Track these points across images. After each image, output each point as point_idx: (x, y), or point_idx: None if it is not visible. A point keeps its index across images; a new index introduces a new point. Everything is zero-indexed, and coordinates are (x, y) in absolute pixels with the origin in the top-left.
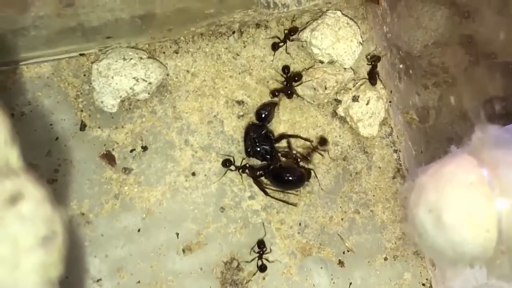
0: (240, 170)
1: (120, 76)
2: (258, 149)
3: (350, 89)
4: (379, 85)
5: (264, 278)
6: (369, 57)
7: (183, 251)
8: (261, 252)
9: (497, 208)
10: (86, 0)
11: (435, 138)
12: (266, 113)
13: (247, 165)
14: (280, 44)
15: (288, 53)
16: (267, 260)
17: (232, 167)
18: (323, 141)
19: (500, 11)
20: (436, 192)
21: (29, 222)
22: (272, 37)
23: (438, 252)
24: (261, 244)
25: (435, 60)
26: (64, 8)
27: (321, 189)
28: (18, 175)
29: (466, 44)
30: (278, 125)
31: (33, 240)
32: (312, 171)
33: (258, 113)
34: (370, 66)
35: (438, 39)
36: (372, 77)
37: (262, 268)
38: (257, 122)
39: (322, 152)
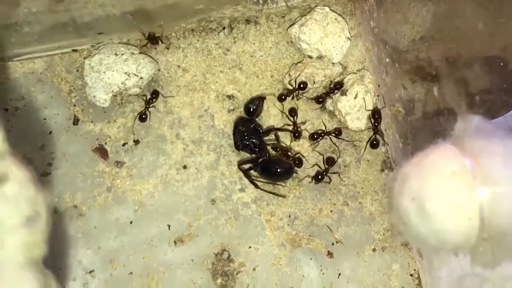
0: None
1: (112, 71)
2: (247, 142)
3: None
4: (367, 79)
5: (254, 269)
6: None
7: (175, 242)
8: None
9: (479, 196)
10: None
11: (421, 131)
12: (255, 107)
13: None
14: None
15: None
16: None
17: None
18: (331, 161)
19: (484, 6)
20: (419, 181)
21: (13, 203)
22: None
23: (421, 240)
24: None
25: (421, 54)
26: (56, 4)
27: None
28: (3, 158)
29: (452, 39)
30: (268, 119)
31: (17, 220)
32: (301, 156)
33: (246, 107)
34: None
35: (424, 34)
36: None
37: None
38: (246, 116)
39: (330, 175)
